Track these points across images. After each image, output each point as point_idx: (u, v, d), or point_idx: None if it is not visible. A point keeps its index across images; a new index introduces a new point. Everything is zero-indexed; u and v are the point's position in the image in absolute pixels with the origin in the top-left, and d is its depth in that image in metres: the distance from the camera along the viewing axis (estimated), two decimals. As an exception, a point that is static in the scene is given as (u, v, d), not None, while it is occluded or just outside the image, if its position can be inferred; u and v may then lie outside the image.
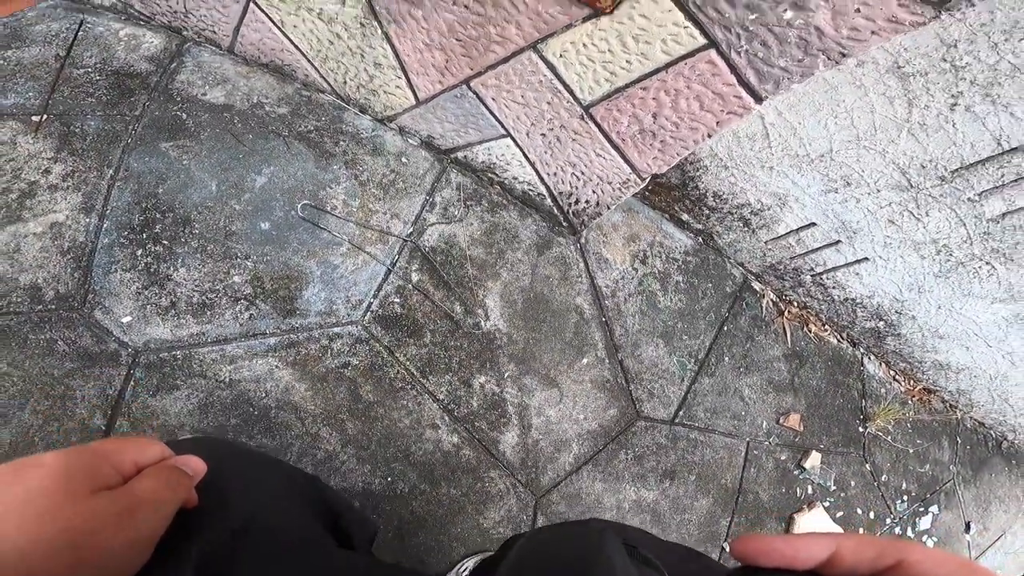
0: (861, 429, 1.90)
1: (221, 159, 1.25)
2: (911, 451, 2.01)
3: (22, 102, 1.17)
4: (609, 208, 1.35)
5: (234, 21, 1.26)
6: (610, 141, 1.15)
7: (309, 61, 1.30)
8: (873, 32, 0.80)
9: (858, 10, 0.79)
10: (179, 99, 1.27)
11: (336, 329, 1.24)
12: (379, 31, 1.16)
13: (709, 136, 1.04)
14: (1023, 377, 1.84)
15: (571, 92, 1.10)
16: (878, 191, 1.29)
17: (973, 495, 2.16)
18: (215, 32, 1.30)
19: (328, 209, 1.29)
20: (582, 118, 1.13)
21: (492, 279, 1.41)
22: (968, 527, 2.11)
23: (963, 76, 1.00)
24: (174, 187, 1.20)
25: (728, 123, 1.00)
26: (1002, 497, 2.27)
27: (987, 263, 1.41)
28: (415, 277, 1.33)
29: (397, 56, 1.20)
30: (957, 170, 1.18)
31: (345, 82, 1.33)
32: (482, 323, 1.37)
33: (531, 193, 1.42)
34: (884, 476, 1.92)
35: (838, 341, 1.93)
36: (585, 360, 1.47)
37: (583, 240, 1.54)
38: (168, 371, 1.10)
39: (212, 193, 1.22)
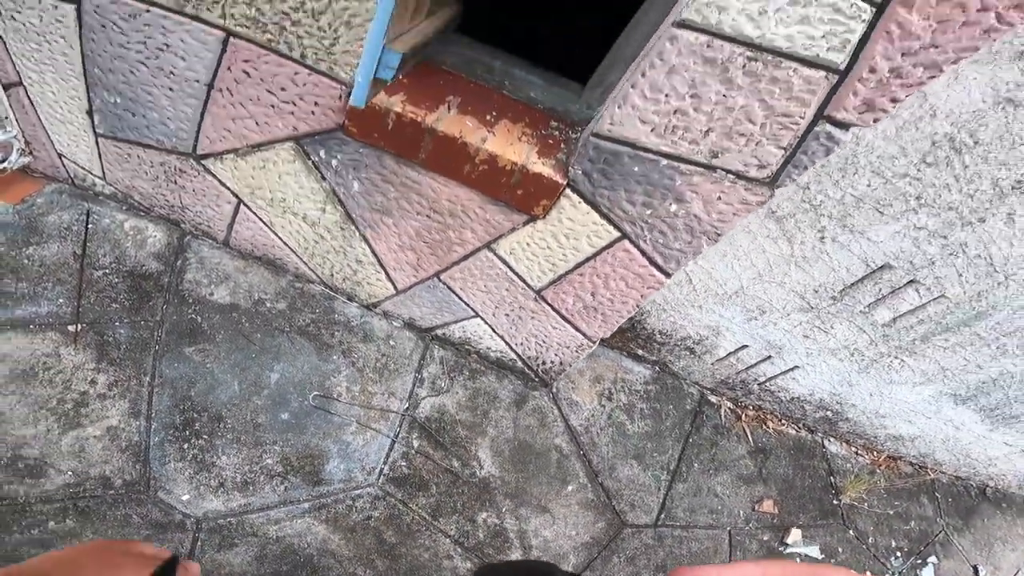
0: (836, 502, 2.03)
1: (238, 359, 1.44)
2: (892, 512, 2.12)
3: (55, 310, 1.37)
4: (571, 366, 1.56)
5: (227, 219, 1.50)
6: (562, 316, 1.40)
7: (298, 256, 1.53)
8: (734, 213, 1.09)
9: (719, 198, 1.07)
10: (191, 300, 1.49)
11: (357, 491, 1.43)
12: (357, 234, 1.41)
13: (639, 306, 1.29)
14: (973, 437, 2.03)
15: (524, 280, 1.35)
16: (788, 314, 1.55)
17: (971, 541, 2.23)
18: (210, 227, 1.54)
19: (335, 396, 1.47)
20: (536, 300, 1.38)
21: (481, 436, 1.58)
22: (976, 571, 2.16)
23: (822, 212, 1.29)
24: (204, 389, 1.40)
25: (649, 295, 1.26)
26: (1004, 538, 2.34)
27: (895, 358, 1.66)
28: (416, 443, 1.50)
29: (375, 255, 1.45)
30: (843, 290, 1.46)
31: (332, 275, 1.56)
32: (478, 472, 1.54)
33: (504, 359, 1.63)
34: (871, 538, 2.02)
35: (796, 431, 2.11)
36: (570, 487, 1.63)
37: (554, 390, 1.74)
38: (226, 533, 1.30)
39: (236, 392, 1.42)
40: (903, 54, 0.81)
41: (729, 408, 2.02)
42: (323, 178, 1.29)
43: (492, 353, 1.63)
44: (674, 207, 1.08)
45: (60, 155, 1.46)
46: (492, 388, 1.66)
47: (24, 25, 1.16)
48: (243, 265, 1.60)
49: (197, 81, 1.16)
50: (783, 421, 2.11)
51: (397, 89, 1.10)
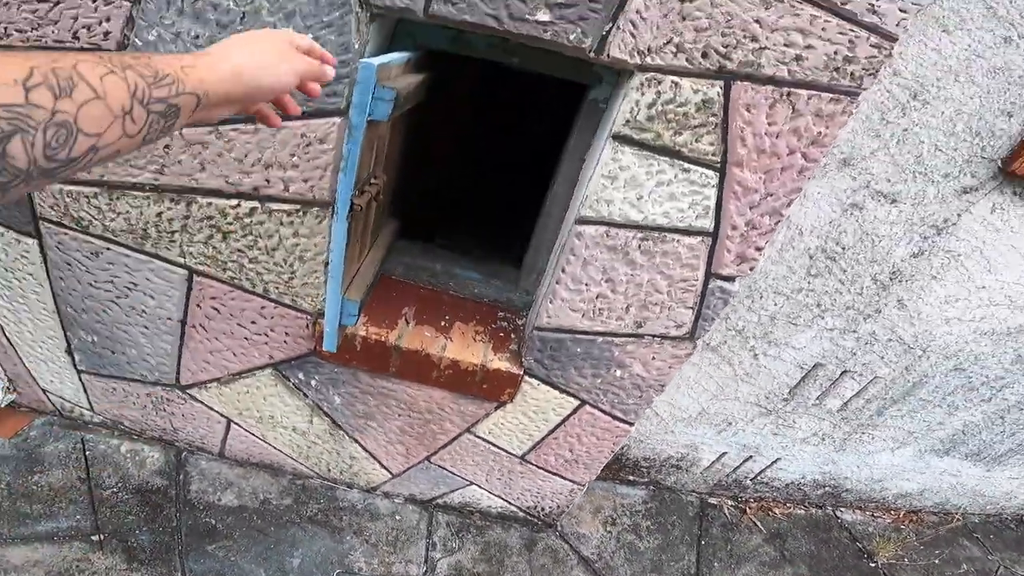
0: (872, 564, 2.02)
1: (259, 551, 1.49)
2: (937, 561, 2.11)
3: (75, 524, 1.41)
4: (568, 508, 1.64)
5: (220, 435, 1.58)
6: (548, 471, 1.50)
7: (294, 460, 1.62)
8: (669, 367, 1.23)
9: (653, 358, 1.22)
10: (202, 507, 1.54)
11: None
12: (347, 437, 1.52)
13: (613, 451, 1.41)
14: (976, 480, 2.10)
15: (506, 451, 1.46)
16: (751, 420, 1.68)
17: (1034, 568, 2.22)
18: (204, 444, 1.62)
19: (356, 571, 1.52)
20: (521, 463, 1.49)
21: None
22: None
23: (747, 335, 1.46)
24: None
25: (620, 441, 1.38)
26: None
27: (862, 434, 1.78)
28: None
29: (367, 450, 1.55)
30: (790, 392, 1.60)
31: (329, 470, 1.64)
32: None
33: (506, 513, 1.70)
34: None
35: (805, 510, 2.16)
36: None
37: (560, 528, 1.79)
38: None
39: (292, 569, 1.45)
40: (751, 207, 0.99)
41: (731, 506, 2.07)
42: (305, 396, 1.42)
43: (493, 510, 1.70)
44: (618, 372, 1.23)
45: (45, 391, 1.56)
46: (501, 538, 1.71)
47: None
48: (243, 472, 1.68)
49: (170, 319, 1.29)
50: (788, 505, 2.16)
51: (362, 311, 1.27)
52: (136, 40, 0.89)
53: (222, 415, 1.52)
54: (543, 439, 1.41)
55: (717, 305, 1.11)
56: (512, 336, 1.31)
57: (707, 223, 1.01)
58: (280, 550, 1.53)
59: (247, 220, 1.08)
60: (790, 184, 0.95)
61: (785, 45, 0.83)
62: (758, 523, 2.05)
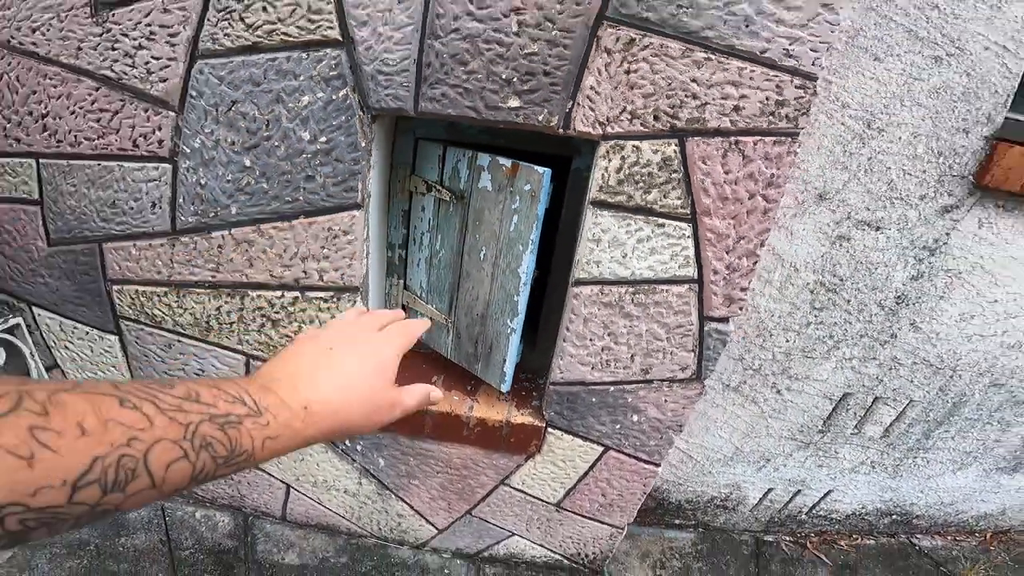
0: None
1: None
2: None
3: None
4: (611, 552, 1.67)
5: (281, 500, 1.72)
6: (584, 516, 1.55)
7: (348, 520, 1.73)
8: (683, 407, 1.28)
9: (666, 401, 1.28)
10: (268, 565, 1.67)
11: None
12: (393, 496, 1.62)
13: (645, 492, 1.45)
14: None
15: (542, 500, 1.53)
16: (790, 455, 1.67)
17: None
18: (268, 508, 1.75)
19: None
20: (558, 510, 1.55)
21: None
22: None
23: (766, 372, 1.48)
24: None
25: (651, 481, 1.42)
26: None
27: (914, 458, 1.73)
28: None
29: (412, 508, 1.65)
30: (825, 423, 1.60)
31: (380, 528, 1.74)
32: None
33: (550, 562, 1.74)
34: None
35: (875, 540, 2.06)
36: None
37: (607, 574, 1.80)
38: None
39: None
40: (727, 252, 1.06)
41: (789, 541, 2.01)
42: (353, 460, 1.55)
43: (538, 560, 1.74)
44: (636, 417, 1.30)
45: None
46: (548, 592, 1.75)
47: (78, 356, 1.47)
48: (303, 533, 1.81)
49: None
50: (854, 536, 2.08)
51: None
52: (184, 147, 1.10)
53: (282, 481, 1.67)
54: (575, 486, 1.47)
55: (716, 346, 1.18)
56: (534, 393, 1.41)
57: (690, 271, 1.09)
58: (344, 606, 1.63)
59: (291, 308, 1.26)
60: (758, 226, 1.03)
61: (723, 98, 0.94)
62: (822, 556, 1.98)
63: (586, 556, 1.71)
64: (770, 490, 1.80)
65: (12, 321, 1.42)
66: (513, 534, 1.67)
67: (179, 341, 1.37)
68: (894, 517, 1.98)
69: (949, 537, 2.13)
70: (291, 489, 1.70)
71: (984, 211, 1.20)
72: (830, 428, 1.61)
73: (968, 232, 1.22)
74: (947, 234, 1.23)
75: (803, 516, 1.94)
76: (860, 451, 1.68)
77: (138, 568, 1.64)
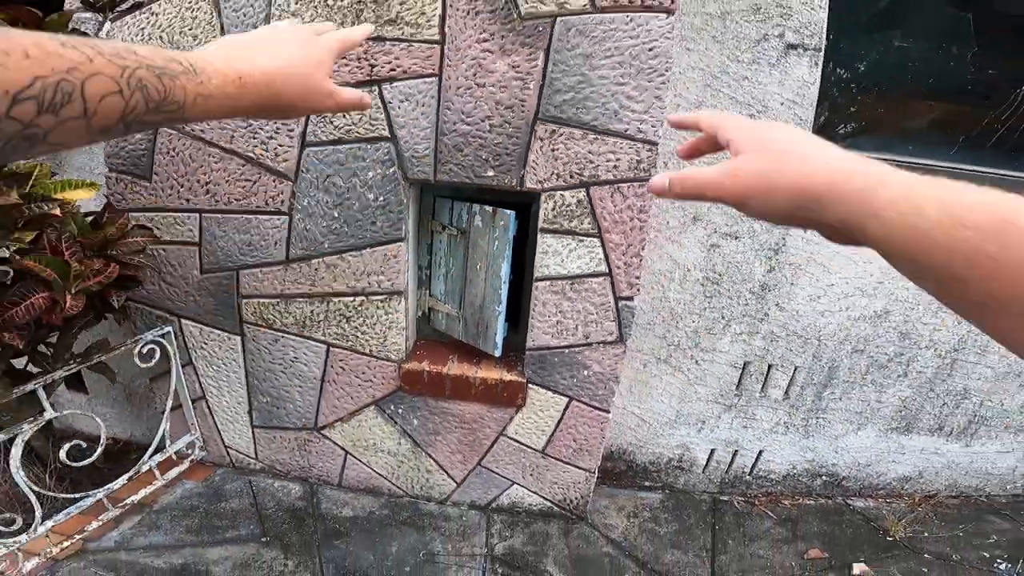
0: (891, 538, 2.32)
1: (368, 543, 2.14)
2: (961, 534, 2.37)
3: (248, 533, 2.12)
4: (590, 496, 2.22)
5: (339, 467, 2.30)
6: (563, 462, 2.13)
7: (389, 481, 2.31)
8: (616, 362, 1.89)
9: (604, 358, 1.89)
10: (329, 518, 2.23)
11: None
12: (423, 453, 2.21)
13: (603, 437, 2.03)
14: (965, 457, 2.43)
15: (530, 447, 2.12)
16: (719, 416, 2.24)
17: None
18: (328, 477, 2.34)
19: (436, 553, 2.12)
20: (543, 456, 2.13)
21: (545, 557, 2.15)
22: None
23: (683, 347, 2.07)
24: (352, 561, 2.06)
25: (605, 428, 2.01)
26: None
27: (816, 418, 2.26)
28: (500, 570, 2.08)
29: (436, 462, 2.23)
30: (737, 387, 2.17)
31: (412, 487, 2.32)
32: None
33: (543, 509, 2.29)
34: (956, 555, 2.25)
35: (814, 501, 2.53)
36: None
37: (590, 521, 2.34)
38: None
39: (372, 560, 2.07)
40: (622, 254, 1.71)
41: (741, 501, 2.52)
42: (395, 422, 2.17)
43: (534, 507, 2.30)
44: (585, 372, 1.92)
45: (227, 447, 2.38)
46: (543, 529, 2.28)
47: (209, 354, 2.13)
48: (354, 495, 2.39)
49: (314, 378, 2.11)
50: (796, 497, 2.56)
51: (423, 359, 2.05)
52: (297, 205, 1.81)
53: (342, 448, 2.29)
54: (553, 433, 2.07)
55: (628, 316, 1.81)
56: (518, 363, 2.04)
57: (603, 268, 1.76)
58: (383, 542, 2.20)
59: (359, 308, 1.94)
60: (638, 238, 1.70)
61: (607, 161, 1.63)
62: (769, 512, 2.47)
63: (570, 502, 2.26)
64: (713, 451, 2.35)
65: (165, 329, 2.12)
66: (513, 483, 2.24)
67: (283, 336, 2.05)
68: (824, 478, 2.48)
69: (880, 499, 2.60)
70: (348, 455, 2.31)
71: (802, 223, 1.84)
72: (742, 392, 2.18)
73: (798, 235, 1.86)
74: (783, 239, 1.86)
75: (748, 478, 2.46)
76: (772, 412, 2.24)
77: (236, 523, 2.25)
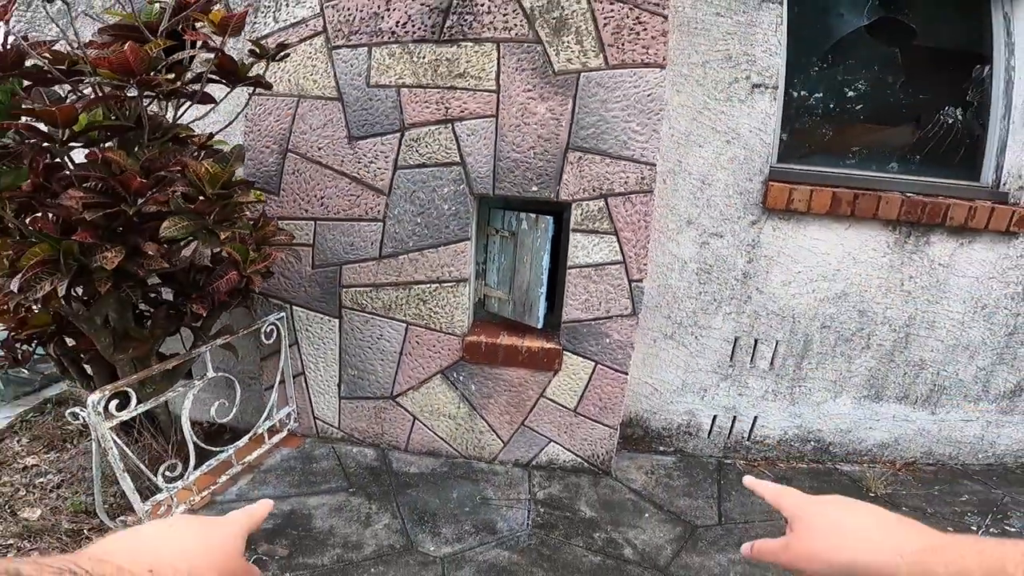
0: (872, 494, 2.69)
1: (433, 491, 2.63)
2: (936, 492, 2.75)
3: (338, 485, 2.63)
4: (614, 452, 2.73)
5: (407, 432, 2.82)
6: (591, 420, 2.66)
7: (447, 443, 2.83)
8: (630, 332, 2.44)
9: (620, 329, 2.44)
10: (400, 474, 2.74)
11: (518, 535, 2.42)
12: (477, 415, 2.75)
13: (622, 396, 2.56)
14: (935, 425, 2.86)
15: (565, 406, 2.65)
16: (718, 385, 2.75)
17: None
18: (397, 442, 2.86)
19: (490, 498, 2.62)
20: (574, 415, 2.66)
21: (578, 500, 2.63)
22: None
23: (684, 324, 2.62)
24: (421, 505, 2.52)
25: (624, 389, 2.54)
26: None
27: (798, 386, 2.76)
28: (541, 509, 2.57)
29: (488, 423, 2.77)
30: (730, 359, 2.69)
31: (467, 448, 2.84)
32: (584, 516, 2.54)
33: (575, 465, 2.80)
34: (929, 510, 2.64)
35: (807, 465, 2.98)
36: (646, 515, 2.54)
37: (615, 475, 2.83)
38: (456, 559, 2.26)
39: (438, 504, 2.56)
40: (633, 248, 2.29)
41: (742, 463, 2.99)
42: (456, 388, 2.73)
43: (568, 464, 2.81)
44: (607, 340, 2.48)
45: (316, 418, 2.94)
46: (575, 481, 2.79)
47: (312, 335, 2.69)
48: (418, 457, 2.92)
49: (394, 352, 2.68)
50: (790, 462, 3.02)
51: (480, 334, 2.63)
52: (389, 214, 2.44)
53: (411, 413, 2.84)
54: (583, 393, 2.61)
55: (639, 295, 2.38)
56: (555, 334, 2.61)
57: (619, 257, 2.34)
58: (445, 491, 2.72)
59: (434, 293, 2.55)
60: (644, 235, 2.28)
61: (619, 179, 2.23)
62: (767, 472, 2.94)
63: (597, 457, 2.77)
64: (715, 416, 2.84)
65: (280, 314, 2.74)
66: (550, 440, 2.76)
67: (373, 318, 2.66)
68: (812, 443, 2.94)
69: (865, 465, 3.04)
70: (415, 421, 2.87)
71: (773, 222, 2.41)
72: (735, 364, 2.69)
73: (768, 234, 2.42)
74: (758, 236, 2.43)
75: (747, 443, 2.94)
76: (761, 381, 2.74)
77: (327, 479, 2.79)
